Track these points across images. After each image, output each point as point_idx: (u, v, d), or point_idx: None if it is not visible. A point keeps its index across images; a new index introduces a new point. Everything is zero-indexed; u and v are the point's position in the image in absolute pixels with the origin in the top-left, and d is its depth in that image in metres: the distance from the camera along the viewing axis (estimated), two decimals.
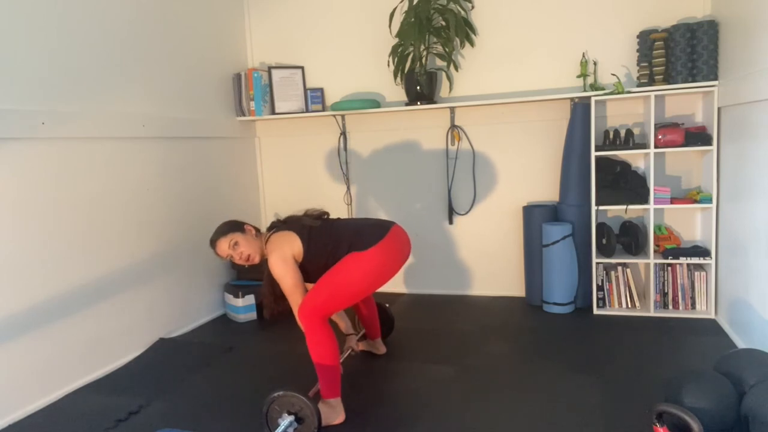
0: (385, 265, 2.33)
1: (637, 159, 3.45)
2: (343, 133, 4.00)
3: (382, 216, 4.01)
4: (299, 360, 2.85)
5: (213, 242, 2.44)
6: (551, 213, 3.46)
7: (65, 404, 2.47)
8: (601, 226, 3.39)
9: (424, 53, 3.53)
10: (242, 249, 2.39)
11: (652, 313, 3.25)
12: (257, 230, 2.51)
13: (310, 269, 2.39)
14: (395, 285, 4.05)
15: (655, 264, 3.25)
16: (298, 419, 2.04)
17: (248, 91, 3.84)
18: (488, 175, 3.77)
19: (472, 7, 3.62)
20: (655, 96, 3.26)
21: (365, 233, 2.38)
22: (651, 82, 3.22)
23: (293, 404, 2.04)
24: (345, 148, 4.02)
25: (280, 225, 2.50)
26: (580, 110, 3.32)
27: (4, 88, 2.34)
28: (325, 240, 2.37)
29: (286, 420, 2.01)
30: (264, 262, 2.44)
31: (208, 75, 3.66)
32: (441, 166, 3.84)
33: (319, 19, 3.94)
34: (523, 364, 2.66)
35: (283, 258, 2.30)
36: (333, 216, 2.70)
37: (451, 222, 3.85)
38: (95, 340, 2.76)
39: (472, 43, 3.60)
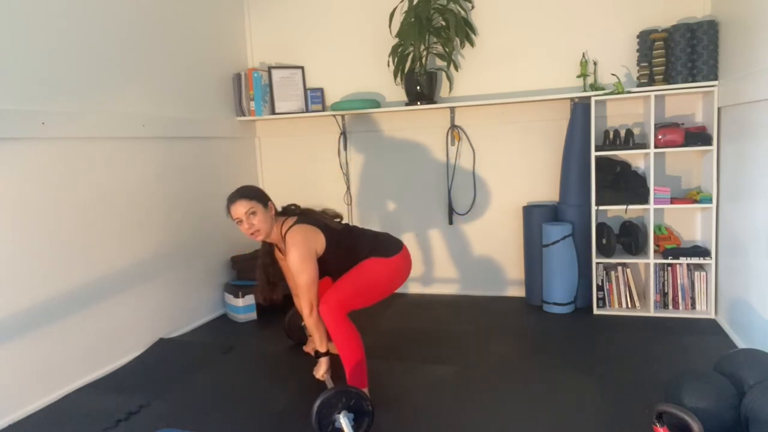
0: (402, 275, 2.51)
1: (637, 159, 3.45)
2: (343, 133, 4.00)
3: (382, 216, 4.01)
4: (299, 360, 2.85)
5: (232, 200, 2.35)
6: (551, 213, 3.46)
7: (65, 404, 2.47)
8: (601, 226, 3.39)
9: (424, 53, 3.53)
10: (257, 222, 2.34)
11: (652, 313, 3.25)
12: (277, 212, 2.47)
13: (324, 266, 2.42)
14: None
15: (655, 264, 3.25)
16: (355, 413, 2.02)
17: (248, 91, 3.84)
18: (488, 175, 3.76)
19: (472, 7, 3.62)
20: (655, 96, 3.26)
21: (385, 243, 2.51)
22: (651, 82, 3.22)
23: (343, 401, 2.00)
24: (345, 148, 4.02)
25: (299, 216, 2.45)
26: (580, 110, 3.32)
27: (4, 88, 2.34)
28: (344, 246, 2.44)
29: (344, 418, 1.98)
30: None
31: (208, 75, 3.66)
32: (441, 166, 3.84)
33: (319, 19, 3.94)
34: (523, 365, 2.66)
35: (308, 254, 2.30)
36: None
37: (451, 222, 3.85)
38: (95, 340, 2.76)
39: (472, 43, 3.60)
